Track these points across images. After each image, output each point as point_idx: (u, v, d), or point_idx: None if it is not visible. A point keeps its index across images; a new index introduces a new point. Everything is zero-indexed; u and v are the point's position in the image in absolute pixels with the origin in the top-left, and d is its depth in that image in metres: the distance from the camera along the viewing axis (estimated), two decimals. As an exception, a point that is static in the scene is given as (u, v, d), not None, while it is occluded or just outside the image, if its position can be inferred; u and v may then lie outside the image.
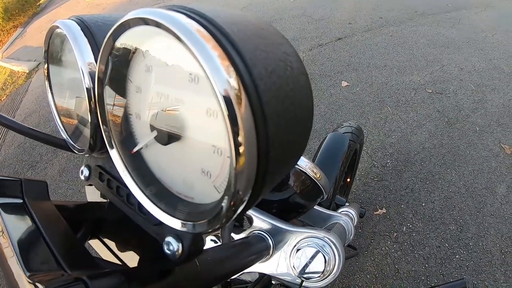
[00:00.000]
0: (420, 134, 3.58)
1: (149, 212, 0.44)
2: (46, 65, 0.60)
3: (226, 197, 0.31)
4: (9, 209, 0.44)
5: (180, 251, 0.43)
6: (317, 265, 0.73)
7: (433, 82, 4.48)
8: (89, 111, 0.47)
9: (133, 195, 0.47)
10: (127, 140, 0.44)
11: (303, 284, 0.75)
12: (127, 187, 0.48)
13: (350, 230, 1.04)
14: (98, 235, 0.62)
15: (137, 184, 0.43)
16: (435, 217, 2.86)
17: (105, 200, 0.62)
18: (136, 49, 0.36)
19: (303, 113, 0.35)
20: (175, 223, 0.38)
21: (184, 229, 0.38)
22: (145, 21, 0.31)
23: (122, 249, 0.60)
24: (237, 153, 0.27)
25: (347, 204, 1.56)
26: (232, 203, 0.31)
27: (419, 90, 4.29)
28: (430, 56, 5.17)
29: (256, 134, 0.28)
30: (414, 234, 2.74)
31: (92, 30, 0.47)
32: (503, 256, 2.74)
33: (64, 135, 0.61)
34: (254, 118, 0.27)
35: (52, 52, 0.59)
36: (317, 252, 0.74)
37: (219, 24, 0.29)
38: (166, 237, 0.44)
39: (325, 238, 0.73)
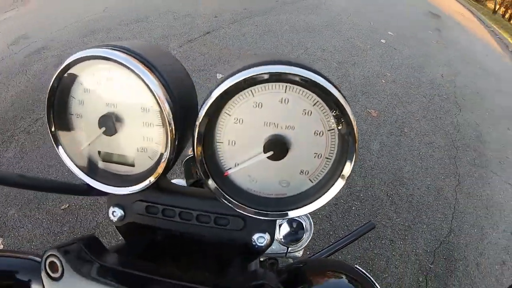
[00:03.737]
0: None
1: (228, 222, 0.59)
2: (49, 110, 0.56)
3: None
4: (100, 274, 0.46)
5: (269, 240, 0.59)
6: (298, 232, 0.96)
7: (301, 64, 5.16)
8: (170, 145, 0.54)
9: (204, 213, 0.59)
10: (215, 165, 0.56)
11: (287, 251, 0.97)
12: (192, 209, 0.60)
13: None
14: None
15: (238, 202, 0.55)
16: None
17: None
18: (243, 88, 0.49)
19: None
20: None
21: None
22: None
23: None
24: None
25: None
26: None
27: (290, 72, 4.89)
28: (294, 41, 5.81)
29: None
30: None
31: (152, 63, 0.52)
32: (390, 198, 3.32)
33: (87, 180, 0.60)
34: None
35: (76, 89, 0.56)
36: (295, 221, 0.98)
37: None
38: (254, 235, 0.59)
39: None
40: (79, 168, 0.60)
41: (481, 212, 3.56)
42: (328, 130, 0.52)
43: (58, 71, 0.53)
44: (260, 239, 0.59)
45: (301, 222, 1.00)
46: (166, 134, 0.54)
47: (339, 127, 0.51)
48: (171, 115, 0.52)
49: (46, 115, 0.56)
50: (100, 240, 0.54)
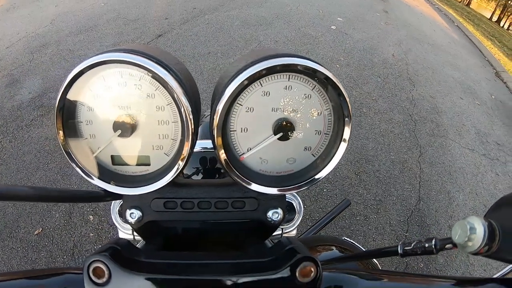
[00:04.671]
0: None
1: (244, 204, 0.65)
2: (59, 121, 0.56)
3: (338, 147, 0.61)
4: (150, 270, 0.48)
5: (282, 214, 0.66)
6: (290, 212, 1.03)
7: (256, 57, 5.24)
8: (190, 138, 0.57)
9: (221, 200, 0.65)
10: (230, 152, 0.61)
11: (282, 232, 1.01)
12: (210, 198, 0.64)
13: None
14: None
15: (255, 183, 0.61)
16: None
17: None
18: (254, 80, 0.55)
19: None
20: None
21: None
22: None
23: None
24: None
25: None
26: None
27: (246, 67, 4.96)
28: (246, 35, 5.88)
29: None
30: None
31: (166, 64, 0.55)
32: (358, 176, 3.44)
33: (104, 186, 0.61)
34: None
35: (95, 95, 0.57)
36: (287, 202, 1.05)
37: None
38: (268, 212, 0.66)
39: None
40: (93, 175, 0.60)
41: (445, 178, 3.76)
42: (325, 110, 0.60)
43: (68, 79, 0.53)
44: (274, 214, 0.66)
45: (292, 203, 1.07)
46: (183, 129, 0.58)
47: (333, 104, 0.59)
48: (190, 109, 0.55)
49: (56, 126, 0.56)
50: (130, 241, 0.55)
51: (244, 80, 0.53)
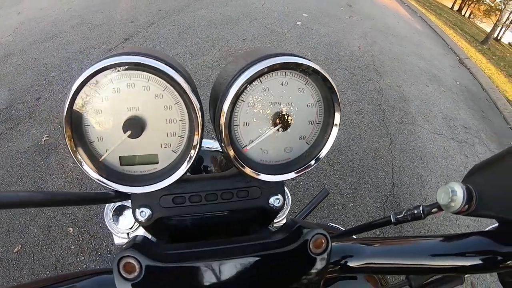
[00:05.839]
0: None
1: (248, 193, 0.69)
2: (68, 127, 0.56)
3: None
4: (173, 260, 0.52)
5: (282, 200, 0.71)
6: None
7: (223, 57, 5.22)
8: (200, 133, 0.61)
9: (227, 191, 0.69)
10: (234, 145, 0.65)
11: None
12: (216, 190, 0.68)
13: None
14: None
15: (261, 172, 0.66)
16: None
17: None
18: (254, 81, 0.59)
19: None
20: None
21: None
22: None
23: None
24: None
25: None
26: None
27: (214, 67, 4.96)
28: (214, 35, 5.92)
29: None
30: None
31: (172, 64, 0.58)
32: (332, 167, 3.55)
33: (117, 187, 0.62)
34: None
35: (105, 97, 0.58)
36: None
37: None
38: (270, 198, 0.71)
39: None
40: (102, 177, 0.61)
41: (417, 163, 3.92)
42: (317, 102, 0.66)
43: (76, 86, 0.54)
44: (275, 200, 0.72)
45: None
46: (192, 125, 0.61)
47: (323, 95, 0.65)
48: (198, 106, 0.58)
49: (65, 132, 0.57)
50: (146, 237, 0.58)
51: (249, 77, 0.57)
